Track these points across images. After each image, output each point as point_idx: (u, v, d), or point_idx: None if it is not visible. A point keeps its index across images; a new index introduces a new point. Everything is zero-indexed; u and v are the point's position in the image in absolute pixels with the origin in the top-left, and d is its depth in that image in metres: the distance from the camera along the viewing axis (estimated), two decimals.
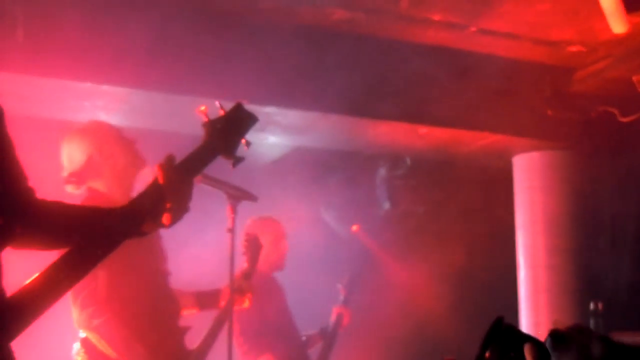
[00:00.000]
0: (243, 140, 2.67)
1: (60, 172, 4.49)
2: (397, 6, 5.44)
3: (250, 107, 5.51)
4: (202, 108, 2.61)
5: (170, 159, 2.47)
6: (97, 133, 4.29)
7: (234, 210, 4.45)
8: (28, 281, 2.17)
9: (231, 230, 4.44)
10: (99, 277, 3.90)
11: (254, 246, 4.97)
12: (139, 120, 5.94)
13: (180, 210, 2.41)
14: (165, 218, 2.39)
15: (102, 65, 5.14)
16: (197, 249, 5.91)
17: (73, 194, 4.28)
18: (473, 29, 5.80)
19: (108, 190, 4.18)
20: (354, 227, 8.02)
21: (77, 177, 4.17)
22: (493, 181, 7.50)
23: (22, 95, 5.34)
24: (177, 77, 5.33)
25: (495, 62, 6.27)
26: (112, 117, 5.83)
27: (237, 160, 2.65)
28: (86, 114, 5.82)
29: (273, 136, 6.48)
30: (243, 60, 5.53)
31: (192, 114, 5.55)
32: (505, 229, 7.09)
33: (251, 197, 4.53)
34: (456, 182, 7.85)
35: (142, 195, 2.45)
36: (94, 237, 2.28)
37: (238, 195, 4.44)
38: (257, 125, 6.06)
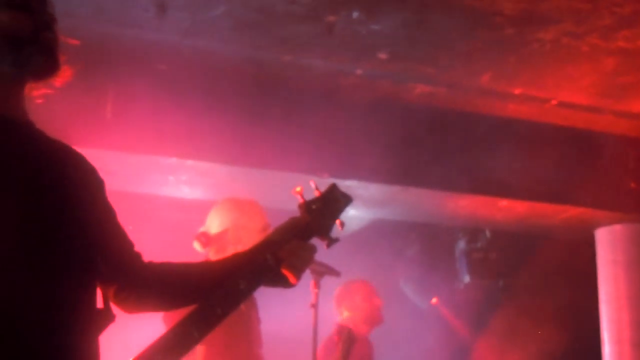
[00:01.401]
0: (338, 221, 2.68)
1: (146, 244, 4.56)
2: (478, 81, 5.47)
3: (331, 180, 5.60)
4: (298, 189, 2.63)
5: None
6: (246, 218, 4.26)
7: (317, 285, 4.46)
8: (137, 356, 2.22)
9: (314, 306, 4.44)
10: (197, 352, 3.91)
11: (347, 339, 5.02)
12: (221, 194, 6.00)
13: (299, 270, 2.44)
14: (290, 276, 2.41)
15: (187, 141, 5.25)
16: (279, 324, 5.92)
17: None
18: (554, 102, 5.80)
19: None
20: (434, 300, 7.98)
21: (206, 240, 4.20)
22: (575, 254, 7.39)
23: (109, 170, 5.44)
24: (260, 152, 5.41)
25: (577, 135, 6.24)
26: (195, 191, 5.95)
27: (332, 242, 2.66)
28: (170, 189, 5.95)
29: (353, 209, 6.49)
30: (325, 135, 5.60)
31: (273, 188, 5.66)
32: (589, 303, 6.96)
33: (335, 273, 4.54)
34: (537, 255, 7.76)
35: (272, 248, 2.47)
36: (220, 291, 2.32)
37: (321, 271, 4.45)
38: None
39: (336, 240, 2.63)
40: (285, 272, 2.39)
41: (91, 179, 2.28)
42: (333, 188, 2.67)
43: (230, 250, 4.06)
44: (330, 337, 5.84)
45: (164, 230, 6.56)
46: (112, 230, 2.30)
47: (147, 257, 2.42)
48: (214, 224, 4.19)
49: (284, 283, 2.43)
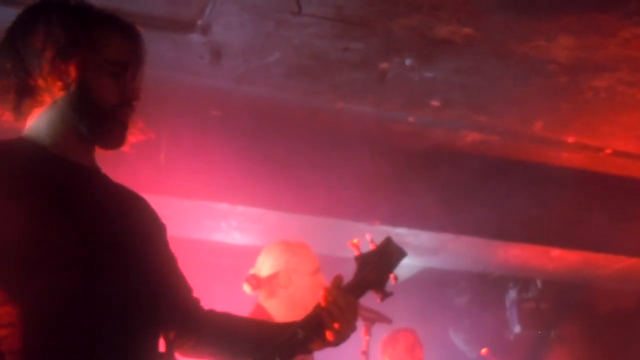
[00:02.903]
0: (392, 275, 2.67)
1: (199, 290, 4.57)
2: (531, 128, 5.45)
3: (382, 228, 5.60)
4: (355, 241, 2.63)
5: (338, 279, 2.50)
6: (297, 260, 4.24)
7: (368, 332, 4.42)
8: None
9: (366, 353, 4.40)
10: None
11: None
12: (272, 241, 6.01)
13: (345, 329, 2.43)
14: (329, 335, 2.40)
15: (238, 187, 5.28)
16: None
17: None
18: (608, 151, 5.75)
19: (275, 313, 4.14)
20: (484, 350, 7.87)
21: (257, 282, 4.17)
22: (628, 304, 7.27)
23: (162, 215, 5.49)
24: (310, 197, 5.42)
25: (630, 184, 6.17)
26: (245, 236, 5.96)
27: (386, 295, 2.65)
28: (221, 234, 5.97)
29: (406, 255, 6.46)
30: (376, 182, 5.60)
31: (323, 234, 5.66)
32: None
33: (386, 320, 4.50)
34: (590, 305, 7.65)
35: (303, 321, 2.47)
36: (261, 353, 2.32)
37: (373, 318, 4.42)
38: None
39: (390, 294, 2.62)
40: (328, 333, 2.38)
41: (155, 223, 2.31)
42: (388, 241, 2.67)
43: (281, 294, 4.04)
44: None
45: (215, 276, 6.58)
46: (173, 275, 2.32)
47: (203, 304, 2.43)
48: (264, 266, 4.16)
49: (326, 344, 2.43)
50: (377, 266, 2.63)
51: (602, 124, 5.36)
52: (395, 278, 2.68)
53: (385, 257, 2.66)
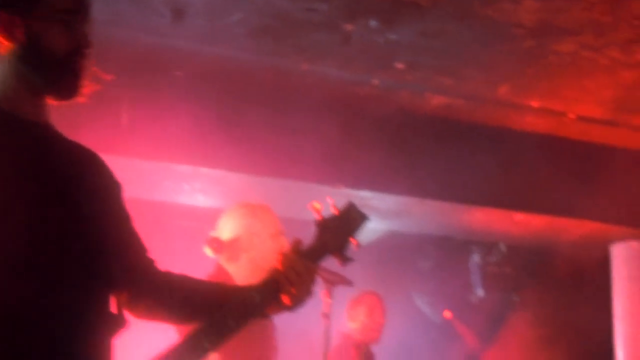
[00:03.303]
0: (353, 240, 2.66)
1: (159, 252, 4.53)
2: (495, 92, 5.44)
3: (346, 191, 5.59)
4: (317, 205, 2.61)
5: (297, 243, 2.48)
6: (258, 224, 4.21)
7: (330, 295, 4.42)
8: None
9: (327, 316, 4.41)
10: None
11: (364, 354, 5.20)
12: (236, 203, 5.99)
13: (301, 294, 2.41)
14: (286, 299, 2.39)
15: (202, 149, 5.24)
16: (291, 333, 5.89)
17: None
18: (572, 115, 5.76)
19: (236, 275, 4.12)
20: (447, 314, 7.94)
21: (218, 245, 4.14)
22: (590, 269, 7.33)
23: (123, 177, 5.44)
24: (275, 161, 5.39)
25: (594, 149, 6.20)
26: (209, 199, 5.93)
27: (346, 260, 2.64)
28: (185, 197, 5.93)
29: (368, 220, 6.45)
30: (340, 145, 5.58)
31: (287, 197, 5.64)
32: (603, 319, 6.90)
33: (347, 282, 4.50)
34: (551, 269, 7.71)
35: (259, 285, 2.45)
36: (216, 315, 2.31)
37: (334, 280, 4.41)
38: None
39: (350, 259, 2.62)
40: (284, 297, 2.37)
41: (109, 181, 2.27)
42: (350, 206, 2.65)
43: (242, 257, 4.03)
44: (344, 343, 5.81)
45: (178, 238, 6.55)
46: (127, 234, 2.29)
47: (160, 265, 2.40)
48: (226, 229, 4.14)
49: (283, 308, 2.41)
50: (338, 231, 2.62)
51: (566, 88, 5.36)
52: (357, 243, 2.67)
53: (346, 221, 2.65)
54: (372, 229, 7.17)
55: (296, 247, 2.45)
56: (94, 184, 2.19)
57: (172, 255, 6.40)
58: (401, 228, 6.90)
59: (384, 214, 6.28)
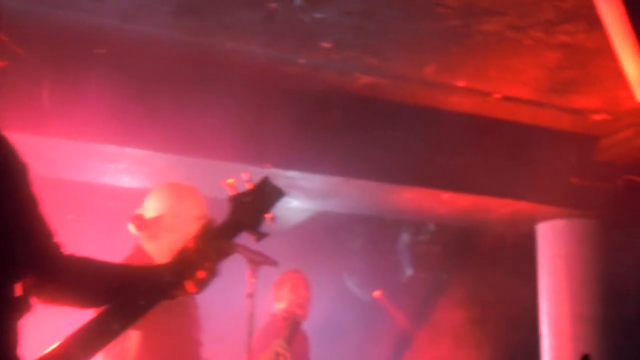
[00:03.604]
0: (269, 215, 2.64)
1: (85, 233, 4.49)
2: (421, 72, 5.45)
3: (273, 171, 5.57)
4: (230, 181, 2.58)
5: (208, 224, 2.46)
6: (182, 205, 4.16)
7: (254, 275, 4.41)
8: (55, 345, 2.17)
9: (251, 296, 4.39)
10: (131, 337, 3.84)
11: (293, 325, 5.34)
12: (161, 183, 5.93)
13: (208, 277, 2.40)
14: (189, 285, 2.38)
15: (125, 129, 5.17)
16: (216, 314, 5.87)
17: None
18: (497, 95, 5.80)
19: (155, 255, 4.09)
20: (377, 293, 7.97)
21: (141, 223, 4.10)
22: (517, 248, 7.42)
23: (46, 157, 5.37)
24: (199, 140, 5.34)
25: (520, 129, 6.26)
26: (134, 179, 5.86)
27: (261, 236, 2.62)
28: (110, 177, 5.86)
29: (296, 200, 6.46)
30: (266, 124, 5.55)
31: (213, 177, 5.58)
32: (529, 296, 6.99)
33: (271, 262, 4.49)
34: (480, 248, 7.79)
35: (170, 264, 2.44)
36: (120, 302, 2.28)
37: (258, 260, 4.40)
38: None
39: (266, 234, 2.60)
40: (188, 283, 2.35)
41: (12, 163, 2.21)
42: (265, 181, 2.63)
43: (163, 237, 4.00)
44: (271, 323, 5.80)
45: (104, 218, 6.46)
46: (32, 218, 2.24)
47: (87, 245, 2.37)
48: (150, 207, 4.10)
49: (190, 290, 2.40)
50: (252, 206, 2.60)
51: (491, 68, 5.39)
52: (273, 218, 2.65)
53: (261, 197, 2.63)
54: (301, 209, 7.17)
55: (207, 227, 2.42)
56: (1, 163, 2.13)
57: (97, 235, 6.35)
58: (330, 208, 6.90)
59: (312, 194, 6.28)
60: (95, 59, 5.11)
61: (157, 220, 4.06)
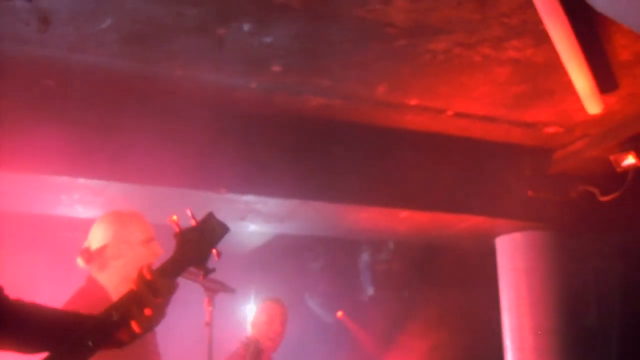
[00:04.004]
0: (214, 251, 2.64)
1: (36, 267, 4.43)
2: (373, 92, 5.46)
3: (229, 196, 5.54)
4: (174, 218, 2.58)
5: (148, 267, 2.45)
6: (126, 231, 4.12)
7: (211, 303, 4.36)
8: None
9: (209, 324, 4.34)
10: None
11: (254, 352, 5.35)
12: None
13: (155, 316, 2.38)
14: (135, 325, 2.35)
15: (77, 159, 5.13)
16: (174, 344, 5.81)
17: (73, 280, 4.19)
18: (450, 112, 5.82)
19: (108, 285, 4.05)
20: (339, 313, 7.96)
21: (88, 255, 4.06)
22: (477, 263, 7.45)
23: None
24: (153, 168, 5.30)
25: (473, 145, 6.29)
26: (89, 210, 5.80)
27: (208, 272, 2.63)
28: (63, 208, 5.79)
29: (253, 224, 6.44)
30: (220, 150, 5.53)
31: (168, 204, 5.55)
32: (491, 311, 7.02)
33: (228, 290, 4.45)
34: (440, 264, 7.81)
35: (117, 303, 2.41)
36: (67, 344, 2.25)
37: (215, 288, 4.36)
38: (238, 214, 6.06)
39: (212, 270, 2.61)
40: (133, 323, 2.34)
41: None
42: (210, 217, 2.65)
43: (112, 265, 3.98)
44: (237, 350, 5.79)
45: (60, 250, 6.40)
46: None
47: (43, 276, 2.34)
48: (95, 239, 4.07)
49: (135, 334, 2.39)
50: (198, 242, 2.60)
51: (442, 86, 5.41)
52: (218, 254, 2.66)
53: (206, 232, 2.64)
54: (260, 233, 7.15)
55: (150, 267, 2.41)
56: None
57: (52, 266, 6.27)
58: (288, 230, 6.88)
59: (269, 218, 6.26)
60: (43, 90, 5.07)
61: (102, 249, 4.03)
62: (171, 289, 2.43)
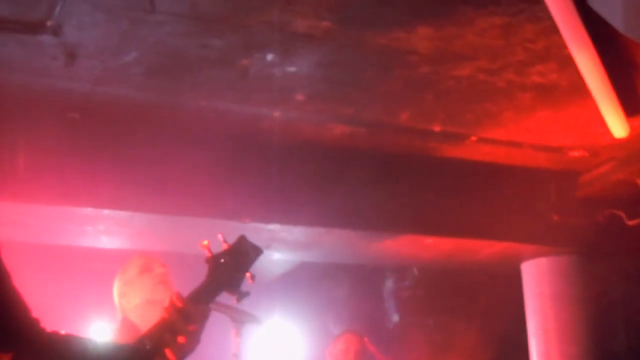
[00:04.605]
0: (248, 274, 2.60)
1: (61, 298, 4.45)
2: (397, 119, 5.45)
3: (253, 225, 5.54)
4: (205, 242, 2.55)
5: (178, 294, 2.43)
6: (123, 270, 4.19)
7: (238, 334, 4.35)
8: None
9: (236, 356, 4.32)
10: None
11: None
12: (141, 243, 5.90)
13: (189, 343, 2.37)
14: (170, 354, 2.33)
15: (102, 191, 5.14)
16: None
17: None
18: (474, 138, 5.80)
19: (135, 319, 4.07)
20: (364, 340, 7.90)
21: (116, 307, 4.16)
22: (503, 289, 7.40)
23: (24, 223, 5.33)
24: (177, 199, 5.31)
25: (498, 170, 6.26)
26: (114, 240, 5.82)
27: (242, 296, 2.59)
28: (89, 239, 5.81)
29: (278, 252, 6.42)
30: (245, 179, 5.53)
31: (194, 234, 5.55)
32: (518, 337, 6.95)
33: (256, 320, 4.43)
34: (465, 290, 7.76)
35: (150, 332, 2.40)
36: None
37: (242, 319, 4.34)
38: (262, 242, 6.03)
39: (247, 294, 2.56)
40: (167, 351, 2.32)
41: None
42: (242, 240, 2.61)
43: (124, 304, 4.10)
44: None
45: (87, 280, 6.41)
46: (7, 296, 2.20)
47: (67, 307, 2.34)
48: (118, 283, 4.20)
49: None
50: (231, 266, 2.56)
51: (466, 112, 5.40)
52: (252, 277, 2.62)
53: (239, 256, 2.60)
54: (284, 261, 7.14)
55: (180, 294, 2.40)
56: None
57: (77, 298, 6.28)
58: (312, 258, 6.87)
59: (294, 246, 6.24)
60: (68, 122, 5.09)
61: (116, 290, 4.13)
62: (204, 316, 2.41)
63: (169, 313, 2.38)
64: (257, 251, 2.64)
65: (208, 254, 2.54)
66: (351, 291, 8.07)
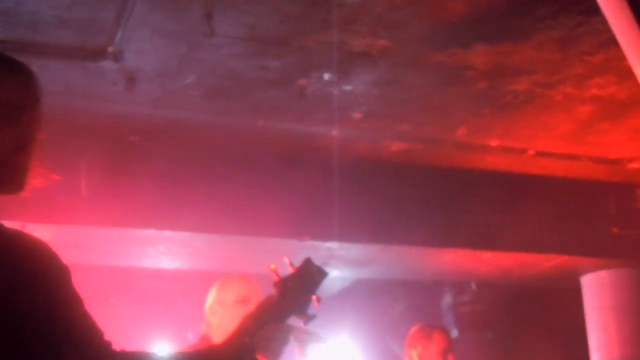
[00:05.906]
0: (314, 297, 2.62)
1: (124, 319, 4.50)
2: (454, 135, 5.45)
3: (312, 243, 5.56)
4: (272, 266, 2.58)
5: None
6: (221, 292, 4.23)
7: (303, 354, 4.36)
8: None
9: None
10: None
11: None
12: (202, 263, 5.96)
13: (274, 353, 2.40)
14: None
15: (163, 212, 5.20)
16: None
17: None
18: (531, 152, 5.78)
19: (216, 340, 4.13)
20: None
21: (202, 314, 4.23)
22: (563, 302, 7.33)
23: (86, 246, 5.40)
24: (236, 219, 5.35)
25: (556, 183, 6.22)
26: (174, 261, 5.87)
27: (309, 319, 2.61)
28: (150, 260, 5.87)
29: (335, 270, 6.43)
30: (301, 198, 5.55)
31: (252, 253, 5.60)
32: (580, 352, 6.88)
33: (320, 339, 4.44)
34: (525, 304, 7.70)
35: (230, 345, 2.42)
36: None
37: (306, 339, 4.36)
38: (320, 260, 6.05)
39: (313, 317, 2.58)
40: (259, 357, 2.33)
41: (52, 266, 2.20)
42: (308, 262, 2.62)
43: (212, 323, 4.08)
44: None
45: (146, 301, 6.48)
46: (79, 320, 2.22)
47: (130, 330, 2.37)
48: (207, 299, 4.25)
49: None
50: (298, 290, 2.58)
51: (524, 126, 5.38)
52: (319, 299, 2.64)
53: (305, 279, 2.61)
54: (341, 278, 7.14)
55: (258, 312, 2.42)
56: (35, 271, 2.13)
57: (139, 318, 6.34)
58: (370, 275, 6.87)
59: (351, 263, 6.25)
60: (128, 145, 5.16)
61: (207, 309, 4.16)
62: (285, 337, 2.43)
63: (245, 330, 2.40)
64: (322, 274, 2.65)
65: (276, 278, 2.56)
66: (409, 306, 8.04)
